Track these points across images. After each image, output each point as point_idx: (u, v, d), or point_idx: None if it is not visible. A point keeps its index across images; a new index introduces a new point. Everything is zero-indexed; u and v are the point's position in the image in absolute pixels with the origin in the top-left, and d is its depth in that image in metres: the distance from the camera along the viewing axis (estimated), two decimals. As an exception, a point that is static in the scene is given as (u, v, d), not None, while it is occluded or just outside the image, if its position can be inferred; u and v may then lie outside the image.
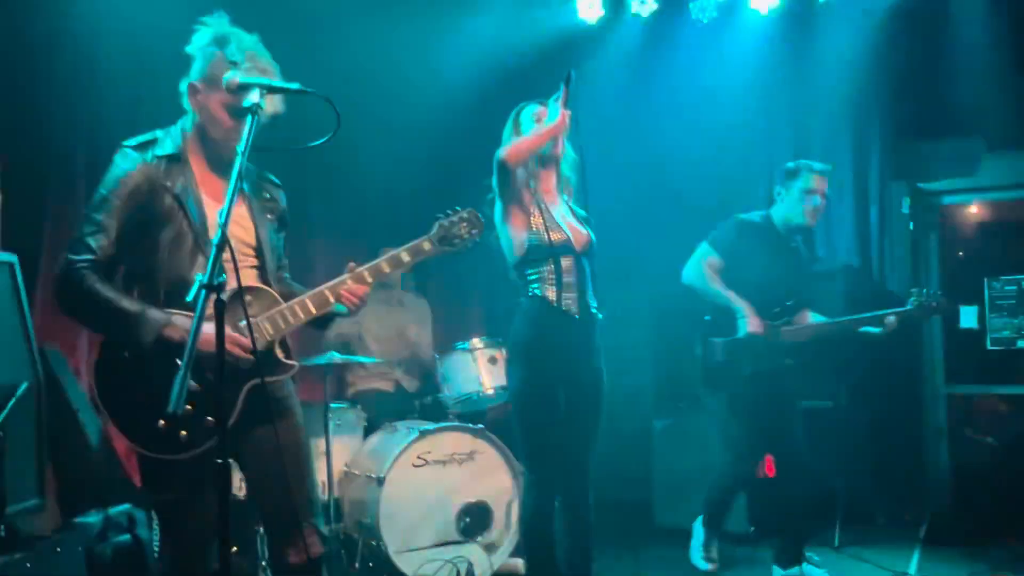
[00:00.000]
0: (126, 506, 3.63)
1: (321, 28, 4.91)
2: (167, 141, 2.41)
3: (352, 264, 2.54)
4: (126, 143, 2.39)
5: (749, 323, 3.84)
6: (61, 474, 3.69)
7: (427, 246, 2.62)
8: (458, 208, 2.70)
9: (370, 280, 2.52)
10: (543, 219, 3.25)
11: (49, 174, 4.24)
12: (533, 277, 3.25)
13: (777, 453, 4.07)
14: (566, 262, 3.24)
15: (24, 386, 3.05)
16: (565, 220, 3.33)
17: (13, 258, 3.29)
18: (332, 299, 2.47)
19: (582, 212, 3.46)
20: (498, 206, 3.30)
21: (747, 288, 3.88)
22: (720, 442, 4.09)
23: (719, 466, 4.08)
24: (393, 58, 5.22)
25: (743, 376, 3.87)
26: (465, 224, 2.68)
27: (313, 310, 2.45)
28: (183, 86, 2.40)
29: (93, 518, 3.44)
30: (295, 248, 5.15)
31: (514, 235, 3.27)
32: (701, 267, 3.98)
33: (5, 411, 2.89)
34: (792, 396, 3.97)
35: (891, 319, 3.83)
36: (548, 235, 3.23)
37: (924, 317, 3.99)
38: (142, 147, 2.38)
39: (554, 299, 3.22)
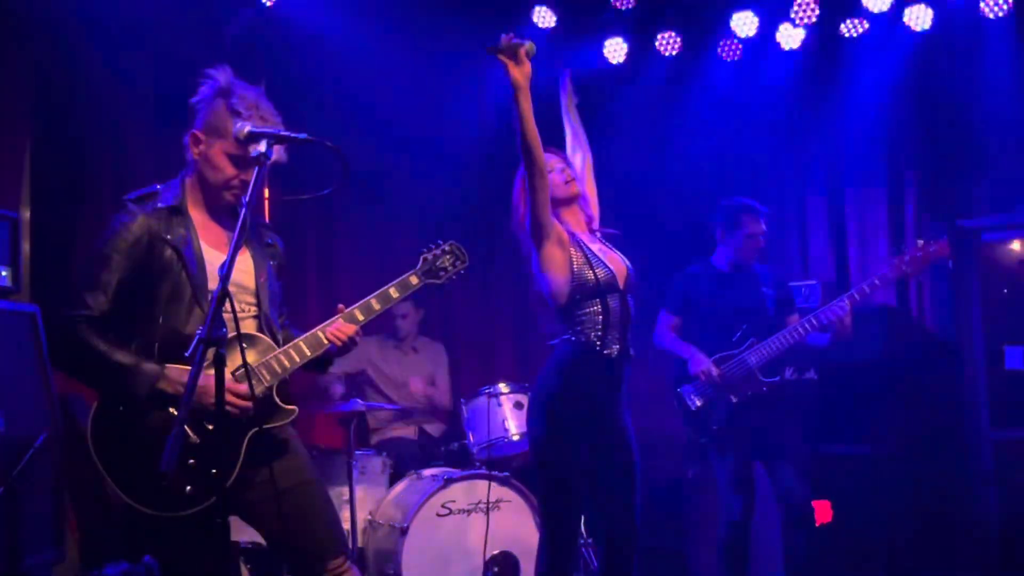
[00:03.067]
0: (146, 557, 3.60)
1: (341, 75, 4.97)
2: (167, 194, 2.42)
3: (341, 306, 2.57)
4: (126, 197, 2.41)
5: (692, 364, 4.02)
6: (83, 524, 3.68)
7: (414, 280, 2.68)
8: (440, 242, 2.76)
9: (361, 318, 2.55)
10: (585, 257, 3.12)
11: (76, 227, 4.31)
12: (580, 319, 3.08)
13: (780, 492, 3.99)
14: (613, 301, 3.10)
15: (42, 437, 3.06)
16: (606, 255, 3.20)
17: (35, 309, 3.33)
18: (325, 340, 2.49)
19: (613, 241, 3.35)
20: (533, 254, 3.17)
21: (705, 334, 4.06)
22: (721, 490, 4.05)
23: (723, 517, 4.01)
24: (421, 101, 5.26)
25: (726, 410, 3.99)
26: (449, 257, 2.74)
27: (308, 352, 2.47)
28: (186, 137, 2.42)
29: (112, 570, 3.41)
30: (323, 287, 5.26)
31: (555, 280, 3.11)
32: (661, 330, 4.23)
33: (22, 464, 2.88)
34: (788, 427, 4.04)
35: (835, 313, 3.88)
36: (594, 273, 3.09)
37: (915, 271, 3.99)
38: (142, 200, 2.39)
39: (599, 342, 3.06)
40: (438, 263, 2.73)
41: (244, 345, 2.33)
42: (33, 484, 3.00)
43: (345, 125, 4.86)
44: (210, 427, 2.29)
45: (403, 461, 4.65)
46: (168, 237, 2.34)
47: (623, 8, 5.21)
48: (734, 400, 3.98)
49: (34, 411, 3.20)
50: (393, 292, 2.63)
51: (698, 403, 4.07)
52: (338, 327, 2.51)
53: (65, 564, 3.33)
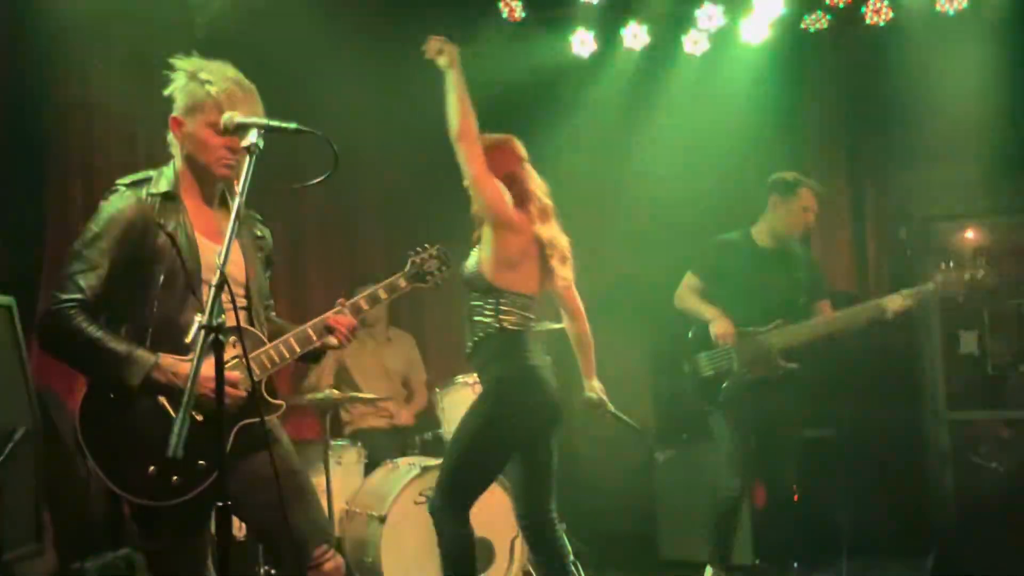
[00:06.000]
0: (125, 550, 3.59)
1: (311, 66, 4.95)
2: (161, 180, 2.40)
3: (342, 300, 2.59)
4: (120, 181, 2.39)
5: (714, 327, 3.94)
6: (59, 519, 3.65)
7: (402, 283, 2.75)
8: (427, 246, 2.83)
9: (351, 315, 2.57)
10: None
11: (46, 215, 4.24)
12: None
13: (768, 474, 4.05)
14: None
15: (21, 431, 3.02)
16: None
17: (11, 300, 3.27)
18: (315, 337, 2.50)
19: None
20: None
21: (732, 302, 3.97)
22: (720, 462, 4.05)
23: (718, 491, 4.03)
24: (385, 93, 5.26)
25: (737, 384, 3.93)
26: (435, 260, 2.82)
27: (297, 349, 2.48)
28: (170, 126, 2.40)
29: (91, 563, 3.39)
30: (293, 282, 5.24)
31: None
32: (683, 290, 4.14)
33: (2, 456, 2.85)
34: (789, 413, 3.99)
35: (895, 303, 3.87)
36: None
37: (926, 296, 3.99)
38: (136, 185, 2.37)
39: None
40: (425, 267, 2.79)
41: (234, 338, 2.30)
42: (12, 478, 2.97)
43: (310, 116, 4.84)
44: (199, 418, 2.29)
45: (377, 451, 4.67)
46: (162, 222, 2.32)
47: (590, 1, 5.27)
48: (748, 377, 3.92)
49: (12, 404, 3.16)
50: (382, 293, 2.68)
51: (710, 372, 4.03)
52: (344, 324, 2.52)
53: (45, 557, 3.30)
